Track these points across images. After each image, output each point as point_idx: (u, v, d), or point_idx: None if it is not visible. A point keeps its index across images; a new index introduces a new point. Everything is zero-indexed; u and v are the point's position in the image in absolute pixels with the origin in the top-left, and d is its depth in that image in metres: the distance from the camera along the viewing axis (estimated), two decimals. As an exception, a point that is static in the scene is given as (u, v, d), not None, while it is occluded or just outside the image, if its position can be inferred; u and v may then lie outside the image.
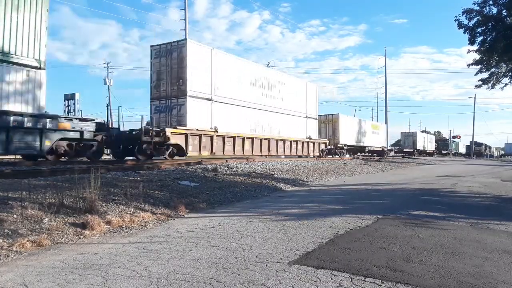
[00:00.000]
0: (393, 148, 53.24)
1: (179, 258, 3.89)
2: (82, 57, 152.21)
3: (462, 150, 78.39)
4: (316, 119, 27.24)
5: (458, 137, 72.63)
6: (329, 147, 29.48)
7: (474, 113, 63.57)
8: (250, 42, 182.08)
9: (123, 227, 5.33)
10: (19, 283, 3.20)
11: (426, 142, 58.84)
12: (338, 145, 31.42)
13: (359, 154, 37.91)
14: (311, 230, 5.26)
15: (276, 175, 12.85)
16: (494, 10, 14.90)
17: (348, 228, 5.41)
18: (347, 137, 33.23)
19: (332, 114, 32.86)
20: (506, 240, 4.89)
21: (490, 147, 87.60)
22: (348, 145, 33.35)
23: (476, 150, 68.26)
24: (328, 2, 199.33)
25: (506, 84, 18.67)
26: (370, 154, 39.64)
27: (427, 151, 58.75)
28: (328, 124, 32.45)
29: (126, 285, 3.15)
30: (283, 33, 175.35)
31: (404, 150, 53.31)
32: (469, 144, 75.42)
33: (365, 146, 37.87)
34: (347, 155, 32.68)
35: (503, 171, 22.15)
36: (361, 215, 6.38)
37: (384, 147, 42.83)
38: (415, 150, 53.08)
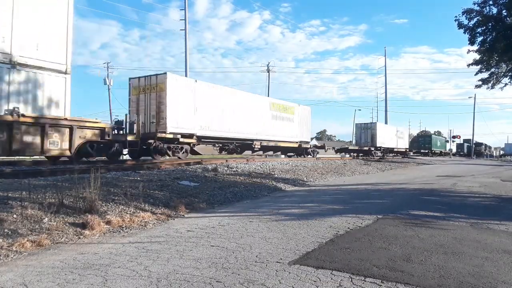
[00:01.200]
0: (324, 145, 35.71)
1: (179, 258, 3.89)
2: (82, 57, 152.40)
3: (451, 149, 65.35)
4: (60, 71, 11.46)
5: (458, 137, 71.65)
6: (130, 138, 13.83)
7: (474, 113, 63.65)
8: (250, 42, 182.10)
9: (123, 227, 5.33)
10: (19, 283, 3.19)
11: (392, 138, 41.87)
12: (162, 135, 15.41)
13: (250, 153, 22.89)
14: (311, 230, 5.26)
15: (276, 175, 12.86)
16: (494, 10, 14.90)
17: (348, 228, 5.41)
18: (191, 119, 16.90)
19: (156, 75, 16.25)
20: (506, 240, 4.89)
21: (490, 147, 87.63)
22: (198, 136, 17.30)
23: (476, 150, 67.93)
24: (328, 2, 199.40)
25: (506, 84, 18.65)
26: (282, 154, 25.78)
27: (396, 150, 42.87)
28: (149, 94, 16.19)
29: (126, 285, 3.15)
30: (284, 33, 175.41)
31: (350, 148, 38.31)
32: (462, 142, 69.85)
33: (252, 140, 21.22)
34: (185, 156, 16.63)
35: (503, 171, 22.15)
36: (361, 215, 6.38)
37: (305, 141, 26.80)
38: (374, 148, 36.85)
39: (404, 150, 45.28)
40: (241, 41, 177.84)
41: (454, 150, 66.89)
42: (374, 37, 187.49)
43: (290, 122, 24.99)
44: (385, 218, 6.22)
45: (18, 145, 9.96)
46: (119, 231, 5.14)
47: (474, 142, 67.09)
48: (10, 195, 5.82)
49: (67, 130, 11.25)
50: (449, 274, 3.46)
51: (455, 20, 15.30)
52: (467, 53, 17.49)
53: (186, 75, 29.01)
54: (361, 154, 34.80)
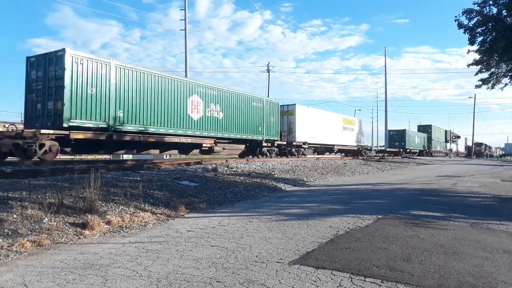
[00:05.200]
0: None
1: (179, 258, 3.89)
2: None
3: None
4: None
5: (453, 137, 70.94)
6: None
7: (474, 113, 63.54)
8: (251, 42, 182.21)
9: (123, 227, 5.33)
10: (19, 283, 3.19)
11: None
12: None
13: None
14: (311, 230, 5.26)
15: (276, 175, 12.85)
16: (494, 10, 14.88)
17: (348, 228, 5.41)
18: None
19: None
20: (506, 240, 4.89)
21: (490, 147, 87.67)
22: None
23: (476, 150, 67.88)
24: (329, 2, 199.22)
25: (506, 84, 18.62)
26: None
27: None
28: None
29: (126, 285, 3.15)
30: (284, 33, 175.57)
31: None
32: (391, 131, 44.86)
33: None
34: None
35: (503, 171, 22.14)
36: (361, 215, 6.38)
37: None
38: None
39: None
40: (241, 41, 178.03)
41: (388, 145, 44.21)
42: (375, 37, 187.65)
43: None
44: (385, 218, 6.22)
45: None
46: (119, 231, 5.14)
47: (474, 142, 67.04)
48: (10, 195, 5.82)
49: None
50: (449, 274, 3.46)
51: (455, 20, 15.28)
52: (467, 53, 17.48)
53: (186, 75, 28.99)
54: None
